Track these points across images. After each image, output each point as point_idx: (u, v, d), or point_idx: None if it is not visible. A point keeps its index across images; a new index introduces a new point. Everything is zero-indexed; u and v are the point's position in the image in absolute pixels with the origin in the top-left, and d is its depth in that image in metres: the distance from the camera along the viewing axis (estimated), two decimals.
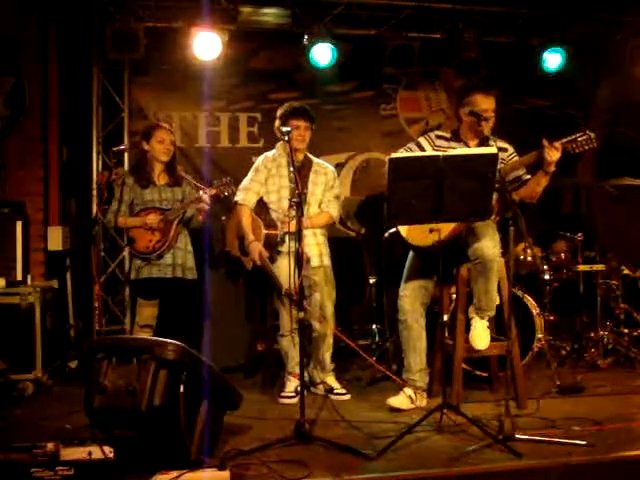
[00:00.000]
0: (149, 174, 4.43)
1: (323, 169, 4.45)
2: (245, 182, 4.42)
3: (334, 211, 4.43)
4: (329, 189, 4.42)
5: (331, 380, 4.34)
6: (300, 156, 4.36)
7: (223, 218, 5.49)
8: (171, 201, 4.42)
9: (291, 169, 3.81)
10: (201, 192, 4.34)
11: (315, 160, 4.47)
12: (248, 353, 5.10)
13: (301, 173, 4.20)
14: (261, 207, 4.39)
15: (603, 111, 6.23)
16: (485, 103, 3.84)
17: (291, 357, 4.31)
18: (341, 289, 4.50)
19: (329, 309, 4.32)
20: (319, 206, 4.41)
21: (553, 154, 3.62)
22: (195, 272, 4.50)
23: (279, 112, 4.35)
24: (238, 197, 4.39)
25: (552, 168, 3.70)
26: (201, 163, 5.69)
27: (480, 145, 3.86)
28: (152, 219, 4.32)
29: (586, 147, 3.64)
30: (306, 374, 4.24)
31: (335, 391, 4.27)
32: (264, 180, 4.36)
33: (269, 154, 4.45)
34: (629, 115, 6.10)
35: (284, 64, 5.89)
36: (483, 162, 3.31)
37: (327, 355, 4.34)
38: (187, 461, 2.90)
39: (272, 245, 4.27)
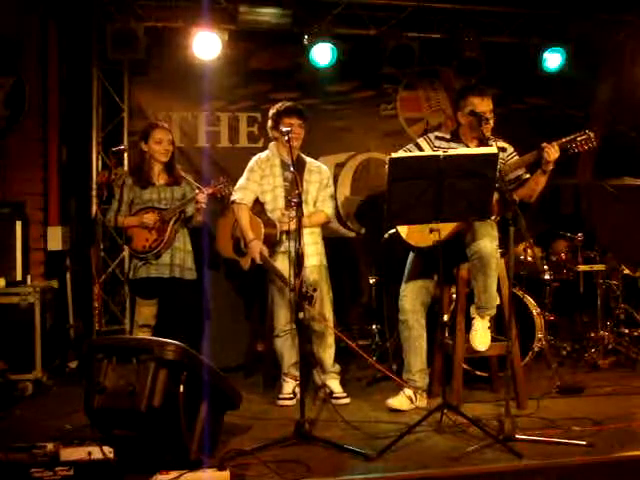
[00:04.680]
0: (148, 174, 4.41)
1: (317, 168, 4.44)
2: (241, 182, 4.40)
3: (329, 210, 4.42)
4: (324, 188, 4.41)
5: (332, 383, 4.28)
6: (294, 155, 4.34)
7: None
8: (170, 200, 4.40)
9: (291, 169, 3.81)
10: (197, 191, 4.33)
11: (308, 159, 4.46)
12: (248, 353, 5.10)
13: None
14: (259, 207, 4.38)
15: (603, 111, 6.23)
16: (482, 106, 3.84)
17: (287, 358, 4.29)
18: (341, 289, 4.49)
19: (328, 308, 4.30)
20: (314, 205, 4.39)
21: (552, 153, 3.65)
22: (194, 273, 4.47)
23: (271, 112, 4.34)
24: (235, 196, 4.35)
25: (550, 167, 3.73)
26: (201, 163, 5.68)
27: (480, 145, 3.86)
28: (148, 218, 4.32)
29: (586, 147, 3.67)
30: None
31: (334, 395, 4.21)
32: (259, 179, 4.35)
33: (262, 155, 4.42)
34: (629, 115, 6.10)
35: (284, 64, 5.89)
36: (483, 162, 3.31)
37: (326, 355, 4.29)
38: (187, 461, 2.90)
39: (271, 244, 4.27)
